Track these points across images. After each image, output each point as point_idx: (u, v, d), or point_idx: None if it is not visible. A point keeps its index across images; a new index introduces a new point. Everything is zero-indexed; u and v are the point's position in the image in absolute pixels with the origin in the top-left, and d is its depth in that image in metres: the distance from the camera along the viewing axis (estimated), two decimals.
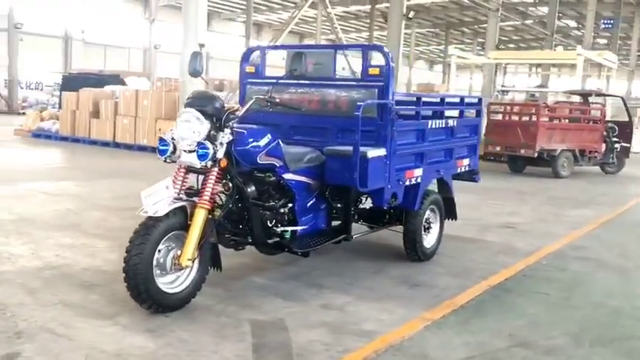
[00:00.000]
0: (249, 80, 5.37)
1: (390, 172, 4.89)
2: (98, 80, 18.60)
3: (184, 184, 4.20)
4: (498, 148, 13.71)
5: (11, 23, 26.51)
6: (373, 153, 4.67)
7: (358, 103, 4.55)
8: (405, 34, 41.05)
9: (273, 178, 4.40)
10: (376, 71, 4.82)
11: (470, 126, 6.32)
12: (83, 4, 31.58)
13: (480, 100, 6.53)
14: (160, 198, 3.91)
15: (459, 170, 6.10)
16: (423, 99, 5.37)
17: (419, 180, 5.33)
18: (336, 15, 39.46)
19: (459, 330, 4.00)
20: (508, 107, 14.21)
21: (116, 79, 19.51)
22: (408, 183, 5.20)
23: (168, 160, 4.15)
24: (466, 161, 6.20)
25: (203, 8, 12.44)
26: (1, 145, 14.20)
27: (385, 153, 4.81)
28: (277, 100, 4.40)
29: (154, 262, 3.87)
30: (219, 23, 40.52)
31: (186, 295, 4.09)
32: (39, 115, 16.86)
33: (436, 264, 5.57)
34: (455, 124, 5.84)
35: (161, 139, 4.13)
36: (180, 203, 3.97)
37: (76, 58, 31.82)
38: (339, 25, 42.38)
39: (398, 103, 5.10)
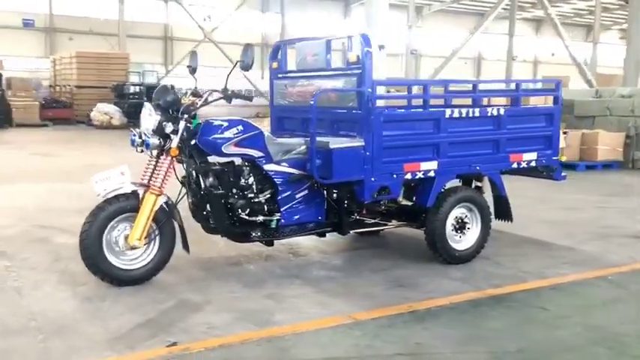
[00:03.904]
0: (276, 75, 5.54)
1: (372, 164, 4.62)
2: None
3: (154, 171, 4.63)
4: None
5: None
6: (340, 144, 4.49)
7: (315, 92, 4.44)
8: None
9: (217, 167, 4.55)
10: (354, 58, 4.60)
11: (538, 115, 5.51)
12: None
13: (557, 85, 5.60)
14: (115, 183, 4.40)
15: (515, 165, 5.37)
16: (432, 87, 4.89)
17: (432, 174, 4.90)
18: (613, 4, 35.25)
19: (368, 332, 3.68)
20: None
21: None
22: (410, 177, 4.82)
23: (138, 150, 4.61)
24: (530, 155, 5.41)
25: (384, 8, 12.60)
26: None
27: (362, 144, 4.57)
28: (230, 93, 4.53)
29: (112, 240, 4.38)
30: (493, 23, 39.43)
31: (145, 272, 4.49)
32: None
33: (462, 268, 5.02)
34: (501, 113, 5.18)
35: (131, 131, 4.62)
36: (133, 188, 4.40)
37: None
38: (625, 12, 37.88)
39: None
